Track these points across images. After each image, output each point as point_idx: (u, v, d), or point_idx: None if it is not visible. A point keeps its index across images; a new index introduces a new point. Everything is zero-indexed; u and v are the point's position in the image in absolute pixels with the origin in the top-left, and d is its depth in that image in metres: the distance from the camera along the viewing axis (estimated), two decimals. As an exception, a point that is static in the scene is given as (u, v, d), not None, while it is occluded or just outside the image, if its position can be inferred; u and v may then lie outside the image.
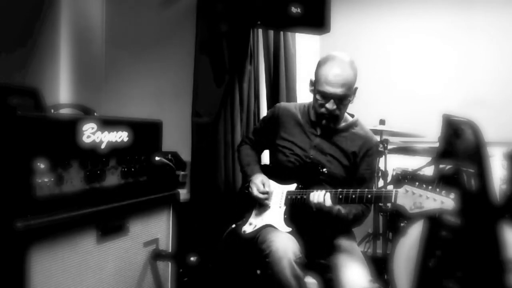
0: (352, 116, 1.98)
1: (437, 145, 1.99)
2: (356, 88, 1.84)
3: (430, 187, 1.50)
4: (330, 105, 1.79)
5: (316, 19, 2.41)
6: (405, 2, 3.28)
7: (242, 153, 2.13)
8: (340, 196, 1.68)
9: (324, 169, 1.84)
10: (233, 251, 1.96)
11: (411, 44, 3.27)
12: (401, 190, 1.54)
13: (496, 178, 2.05)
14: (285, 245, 1.63)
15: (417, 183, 1.53)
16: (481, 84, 3.09)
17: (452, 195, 1.45)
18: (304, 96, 3.03)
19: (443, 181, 2.00)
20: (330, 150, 1.90)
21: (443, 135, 1.92)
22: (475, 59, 3.12)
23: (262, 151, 2.22)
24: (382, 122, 2.79)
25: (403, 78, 3.27)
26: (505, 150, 2.31)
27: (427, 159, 2.48)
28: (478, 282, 1.77)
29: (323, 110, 1.82)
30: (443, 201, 1.45)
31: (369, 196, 1.64)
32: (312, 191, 1.74)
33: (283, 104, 2.11)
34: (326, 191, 1.71)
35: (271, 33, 2.81)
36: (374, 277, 1.67)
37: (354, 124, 1.94)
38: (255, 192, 1.88)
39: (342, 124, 1.93)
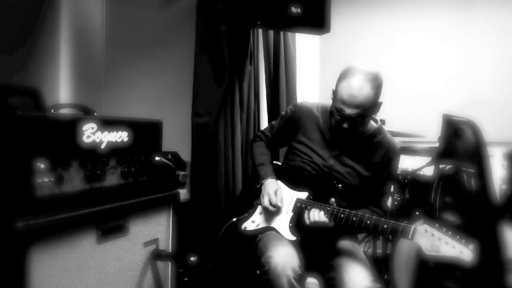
0: (376, 122, 1.88)
1: (437, 145, 2.00)
2: (381, 103, 1.71)
3: (450, 232, 1.44)
4: (346, 125, 1.70)
5: (316, 19, 2.40)
6: (405, 2, 3.28)
7: (255, 150, 2.03)
8: (354, 219, 1.61)
9: (339, 185, 1.78)
10: (231, 246, 1.92)
11: (411, 44, 3.27)
12: (420, 229, 1.47)
13: (496, 178, 2.05)
14: (284, 262, 1.59)
15: (436, 225, 1.47)
16: (481, 84, 3.09)
17: (471, 246, 1.39)
18: (304, 96, 3.04)
19: (443, 181, 2.01)
20: (351, 162, 1.81)
21: (443, 135, 1.92)
22: (475, 59, 3.12)
23: (277, 150, 2.14)
24: (382, 122, 2.78)
25: (403, 78, 3.27)
26: (505, 150, 2.31)
27: (427, 159, 2.47)
28: (478, 282, 1.77)
29: (340, 126, 1.73)
30: (463, 251, 1.39)
31: (385, 226, 1.56)
32: (321, 206, 1.70)
33: (304, 104, 1.96)
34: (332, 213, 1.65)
35: (271, 33, 2.81)
36: (374, 277, 1.66)
37: (377, 133, 1.84)
38: (266, 203, 1.81)
39: (365, 133, 1.83)
